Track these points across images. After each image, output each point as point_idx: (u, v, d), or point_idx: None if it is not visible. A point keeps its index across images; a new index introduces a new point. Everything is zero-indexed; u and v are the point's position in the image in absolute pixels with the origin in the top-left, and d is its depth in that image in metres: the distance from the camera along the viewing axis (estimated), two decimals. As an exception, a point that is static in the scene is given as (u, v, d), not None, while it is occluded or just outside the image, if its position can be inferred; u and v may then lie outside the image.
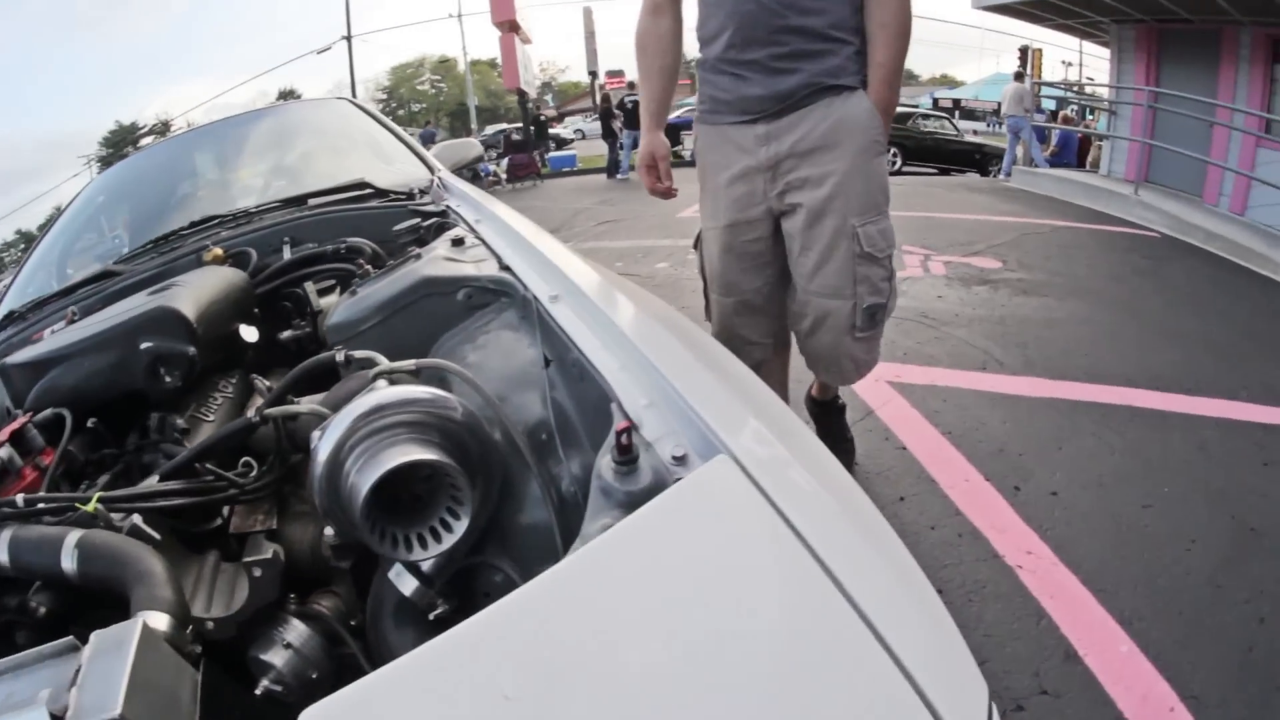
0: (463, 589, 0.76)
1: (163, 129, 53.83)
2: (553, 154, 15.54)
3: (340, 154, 2.37)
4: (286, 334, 1.34)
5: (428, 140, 18.64)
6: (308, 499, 0.88)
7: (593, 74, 21.36)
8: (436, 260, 1.08)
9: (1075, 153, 12.30)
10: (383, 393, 0.71)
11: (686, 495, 0.55)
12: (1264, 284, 4.81)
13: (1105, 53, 11.39)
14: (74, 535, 0.67)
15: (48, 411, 0.90)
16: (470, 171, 9.78)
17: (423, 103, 64.23)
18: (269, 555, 0.78)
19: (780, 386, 1.98)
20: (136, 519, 0.72)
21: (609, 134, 12.41)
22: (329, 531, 0.75)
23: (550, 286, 0.94)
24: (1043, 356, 3.15)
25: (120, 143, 53.00)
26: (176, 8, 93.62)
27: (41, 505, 0.72)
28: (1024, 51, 26.33)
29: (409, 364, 0.82)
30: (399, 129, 2.45)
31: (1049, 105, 15.12)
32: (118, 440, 0.97)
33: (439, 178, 1.81)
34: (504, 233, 1.20)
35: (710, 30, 1.60)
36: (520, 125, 15.77)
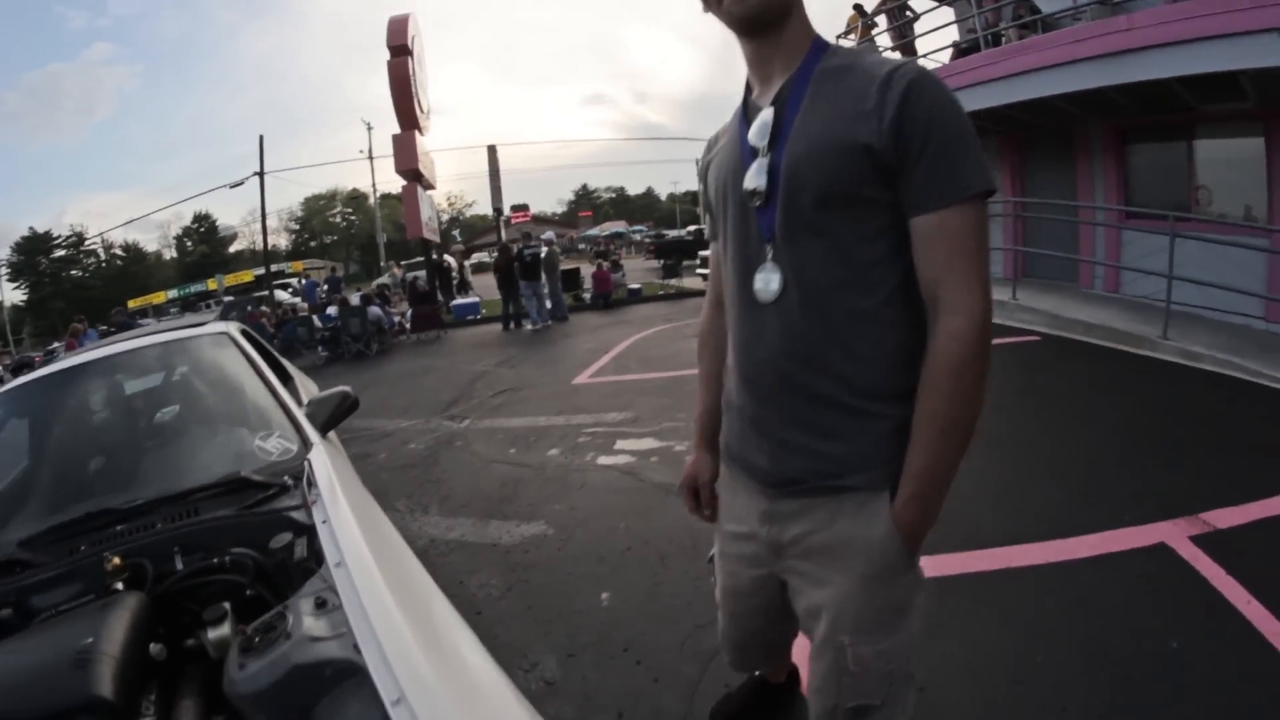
0: None
1: (78, 242, 52.65)
2: (457, 302, 15.85)
3: (219, 415, 2.55)
4: (190, 642, 1.47)
5: (334, 287, 18.75)
6: None
7: (498, 210, 22.16)
8: (303, 644, 1.23)
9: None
10: None
11: None
12: (1141, 367, 5.26)
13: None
14: None
15: None
16: (375, 327, 9.78)
17: (334, 235, 64.53)
18: None
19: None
20: None
21: (505, 285, 12.81)
22: None
23: (392, 687, 1.09)
24: (922, 531, 3.26)
25: (33, 251, 51.17)
26: (100, 114, 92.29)
27: None
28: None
29: None
30: (272, 378, 2.60)
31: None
32: None
33: (308, 463, 1.97)
34: (359, 588, 1.37)
35: (728, 353, 1.38)
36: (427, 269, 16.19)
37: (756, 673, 2.12)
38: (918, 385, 1.14)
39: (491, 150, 21.65)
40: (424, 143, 15.80)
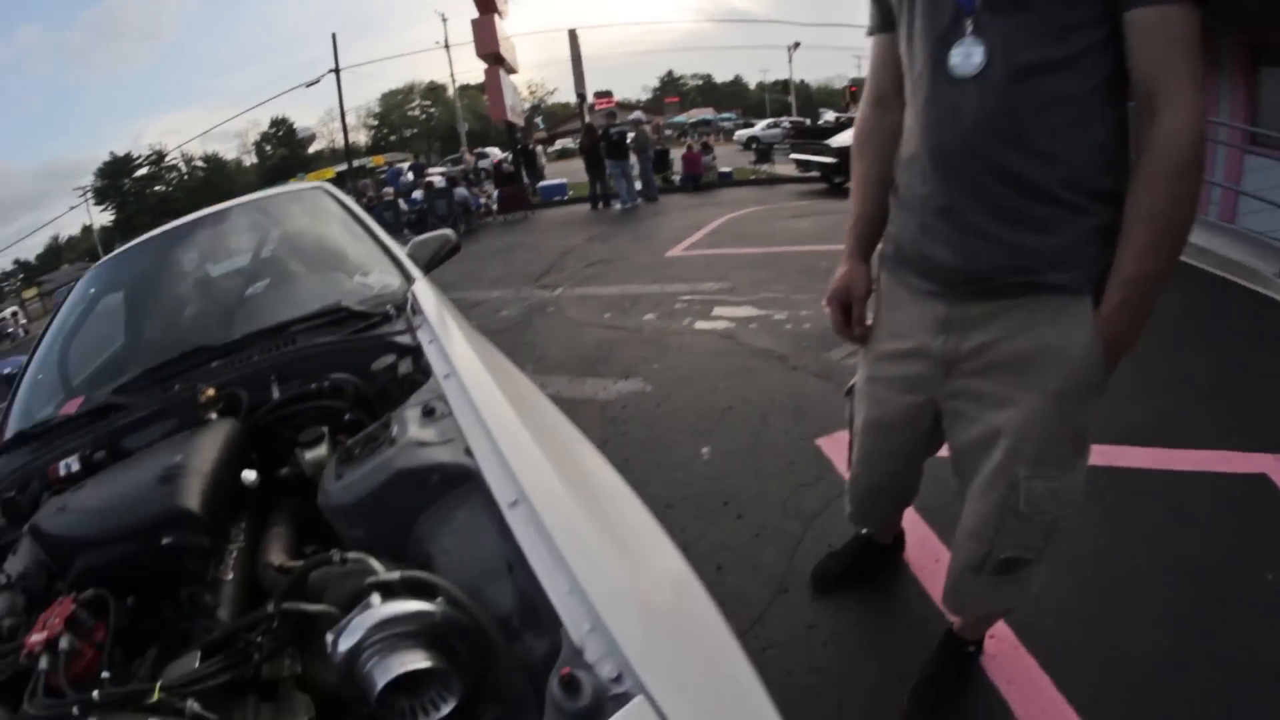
0: None
1: (158, 159, 55.25)
2: (543, 183, 15.70)
3: (319, 261, 2.49)
4: (285, 471, 1.42)
5: (419, 172, 18.78)
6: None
7: (581, 96, 21.45)
8: (409, 449, 1.14)
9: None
10: (383, 610, 0.81)
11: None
12: (1252, 301, 4.85)
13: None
14: None
15: (90, 592, 1.01)
16: (462, 208, 9.80)
17: (414, 128, 64.76)
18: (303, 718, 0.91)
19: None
20: (195, 706, 0.83)
21: (592, 166, 12.56)
22: None
23: (509, 488, 0.98)
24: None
25: (116, 174, 54.20)
26: (166, 37, 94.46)
27: (115, 698, 0.83)
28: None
29: (396, 575, 0.89)
30: (372, 224, 2.53)
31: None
32: (155, 608, 1.10)
33: (412, 294, 1.90)
34: (472, 393, 1.27)
35: (906, 141, 1.27)
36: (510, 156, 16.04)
37: (864, 531, 2.04)
38: (1123, 190, 1.07)
39: (572, 35, 20.72)
40: (503, 27, 15.32)
